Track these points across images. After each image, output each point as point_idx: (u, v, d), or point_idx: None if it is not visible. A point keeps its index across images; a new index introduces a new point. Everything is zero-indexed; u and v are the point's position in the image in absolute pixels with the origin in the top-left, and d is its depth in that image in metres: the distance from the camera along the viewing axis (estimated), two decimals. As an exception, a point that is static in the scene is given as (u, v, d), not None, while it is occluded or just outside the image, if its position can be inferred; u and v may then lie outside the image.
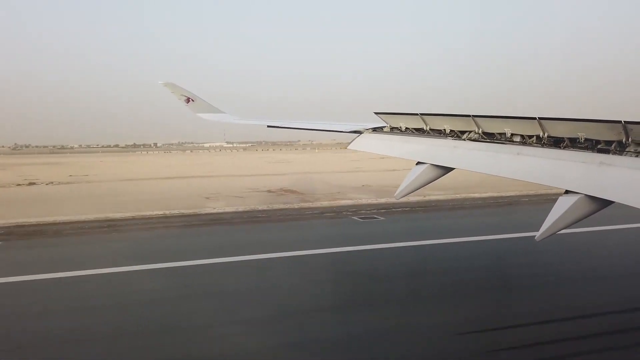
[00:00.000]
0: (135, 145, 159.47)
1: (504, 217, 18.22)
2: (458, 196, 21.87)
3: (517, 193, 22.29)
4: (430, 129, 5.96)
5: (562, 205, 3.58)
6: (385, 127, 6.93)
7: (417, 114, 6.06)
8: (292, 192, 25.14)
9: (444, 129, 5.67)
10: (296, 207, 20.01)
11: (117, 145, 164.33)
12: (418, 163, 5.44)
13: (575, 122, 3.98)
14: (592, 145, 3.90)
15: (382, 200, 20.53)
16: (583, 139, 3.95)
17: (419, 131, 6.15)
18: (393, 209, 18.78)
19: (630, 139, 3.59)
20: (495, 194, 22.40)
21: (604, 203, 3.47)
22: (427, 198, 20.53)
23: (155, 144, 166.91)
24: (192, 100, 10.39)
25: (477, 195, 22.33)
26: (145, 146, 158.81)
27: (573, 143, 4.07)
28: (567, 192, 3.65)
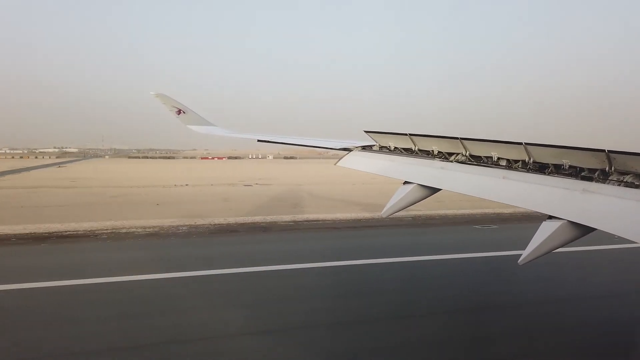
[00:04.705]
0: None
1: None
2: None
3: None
4: (418, 150, 5.99)
5: (546, 230, 3.60)
6: (374, 145, 6.96)
7: (405, 134, 6.10)
8: None
9: (432, 150, 5.71)
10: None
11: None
12: (405, 182, 5.46)
13: (560, 149, 4.03)
14: (576, 172, 3.95)
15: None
16: (567, 166, 3.99)
17: (408, 151, 6.18)
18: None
19: (613, 168, 3.64)
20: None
21: (587, 229, 3.49)
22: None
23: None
24: (183, 112, 10.36)
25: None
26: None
27: (558, 169, 4.11)
28: (550, 217, 3.67)
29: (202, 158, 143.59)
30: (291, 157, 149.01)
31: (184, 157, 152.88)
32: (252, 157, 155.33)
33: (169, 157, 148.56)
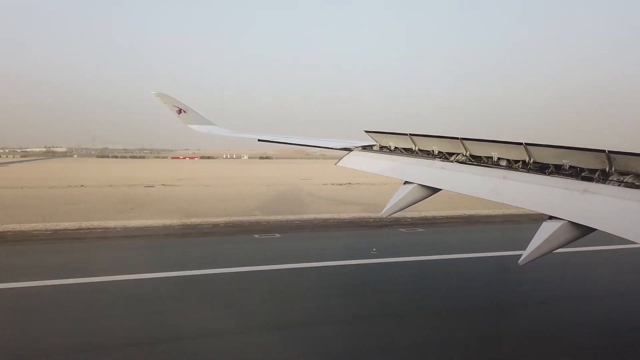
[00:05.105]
0: None
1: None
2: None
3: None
4: (419, 150, 5.99)
5: (546, 231, 3.60)
6: (374, 145, 6.95)
7: (406, 134, 6.09)
8: None
9: (433, 150, 5.70)
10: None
11: None
12: (406, 182, 5.45)
13: (561, 149, 4.02)
14: (576, 173, 3.94)
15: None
16: (568, 166, 3.98)
17: (408, 151, 6.17)
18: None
19: (613, 169, 3.63)
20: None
21: (587, 230, 3.49)
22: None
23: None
24: (184, 112, 10.34)
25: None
26: None
27: (558, 169, 4.11)
28: (550, 217, 3.67)
29: (172, 158, 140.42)
30: (267, 157, 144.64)
31: (155, 157, 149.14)
32: (226, 157, 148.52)
33: (140, 157, 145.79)
